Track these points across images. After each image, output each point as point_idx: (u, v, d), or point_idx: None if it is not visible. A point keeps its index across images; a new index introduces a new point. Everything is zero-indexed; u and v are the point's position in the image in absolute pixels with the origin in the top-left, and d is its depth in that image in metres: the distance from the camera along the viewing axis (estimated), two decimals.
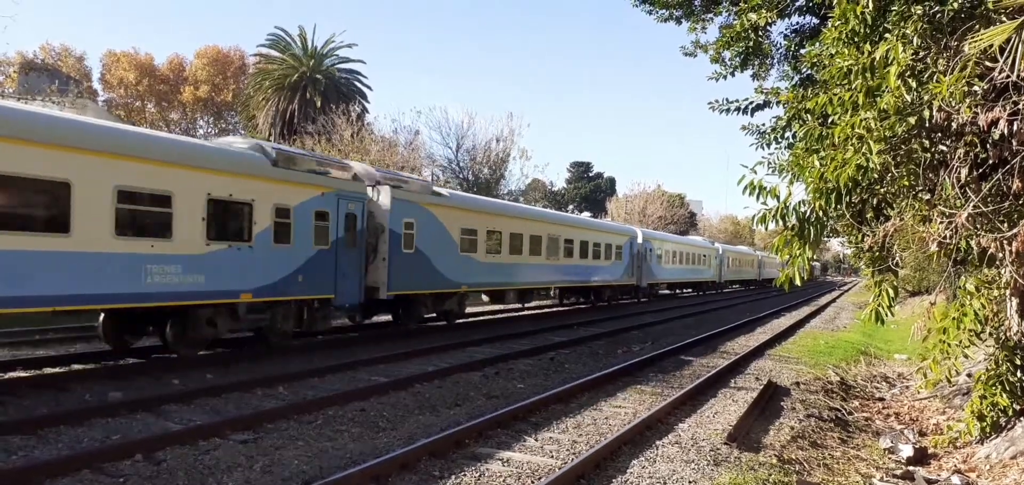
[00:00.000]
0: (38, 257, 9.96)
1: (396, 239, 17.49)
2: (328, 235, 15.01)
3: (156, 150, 11.80)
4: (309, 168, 14.90)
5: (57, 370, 11.77)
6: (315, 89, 46.87)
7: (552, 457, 8.00)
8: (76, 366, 12.18)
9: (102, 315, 12.60)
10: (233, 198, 12.78)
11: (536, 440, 8.68)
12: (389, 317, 19.92)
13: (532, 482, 7.10)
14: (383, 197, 17.36)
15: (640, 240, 36.71)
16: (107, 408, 9.19)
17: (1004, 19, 6.56)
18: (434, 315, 20.69)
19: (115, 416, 8.99)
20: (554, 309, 30.51)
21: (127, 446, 7.47)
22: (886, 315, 8.40)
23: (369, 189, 16.89)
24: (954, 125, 6.79)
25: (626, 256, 34.74)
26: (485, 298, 27.26)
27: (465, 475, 7.21)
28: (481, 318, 24.74)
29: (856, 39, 7.54)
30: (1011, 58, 6.10)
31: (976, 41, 6.34)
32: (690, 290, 51.37)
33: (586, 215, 50.82)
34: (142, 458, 7.30)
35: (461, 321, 22.09)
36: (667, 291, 47.70)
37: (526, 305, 28.44)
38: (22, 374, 11.27)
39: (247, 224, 13.10)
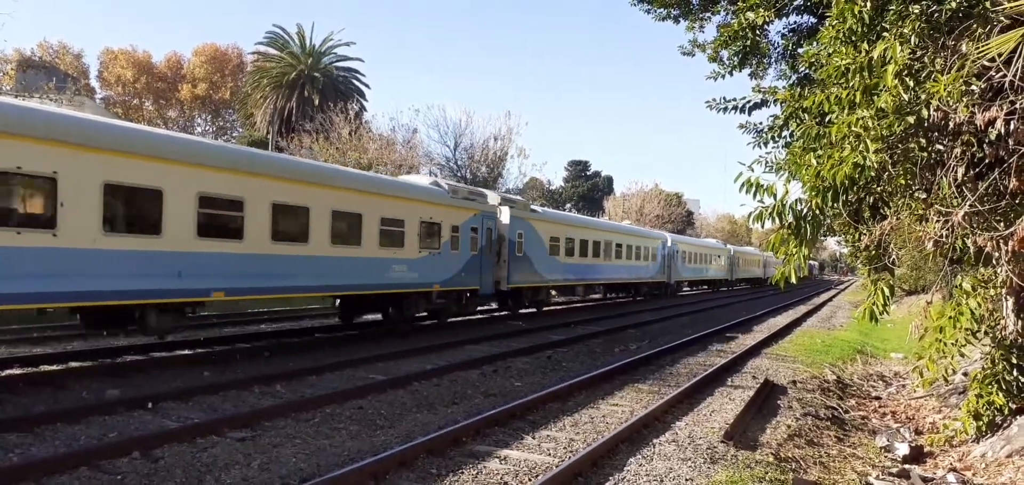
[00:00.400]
0: (344, 261, 15.57)
1: (512, 246, 23.13)
2: (477, 244, 20.90)
3: (398, 190, 18.01)
4: (466, 196, 21.05)
5: (54, 368, 11.76)
6: (313, 87, 46.85)
7: (550, 455, 8.00)
8: (73, 364, 12.17)
9: (337, 299, 18.06)
10: (432, 220, 18.69)
11: (534, 438, 8.69)
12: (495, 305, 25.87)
13: (530, 480, 7.10)
14: (504, 214, 22.97)
15: (669, 243, 42.44)
16: (104, 406, 9.18)
17: (1002, 19, 6.59)
18: (529, 303, 26.20)
19: (112, 414, 8.98)
20: (554, 308, 30.52)
21: (124, 444, 7.46)
22: (880, 314, 8.42)
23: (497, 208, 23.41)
24: (951, 124, 6.80)
25: (659, 257, 40.49)
26: (553, 293, 31.08)
27: (463, 473, 7.22)
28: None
29: (854, 38, 7.55)
30: (1015, 64, 6.12)
31: (982, 50, 6.35)
32: (706, 287, 56.28)
33: (626, 222, 52.53)
34: (139, 456, 7.30)
35: (546, 309, 28.02)
36: (688, 289, 51.33)
37: (586, 298, 35.51)
38: (19, 372, 11.25)
39: (438, 237, 18.95)
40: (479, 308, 24.58)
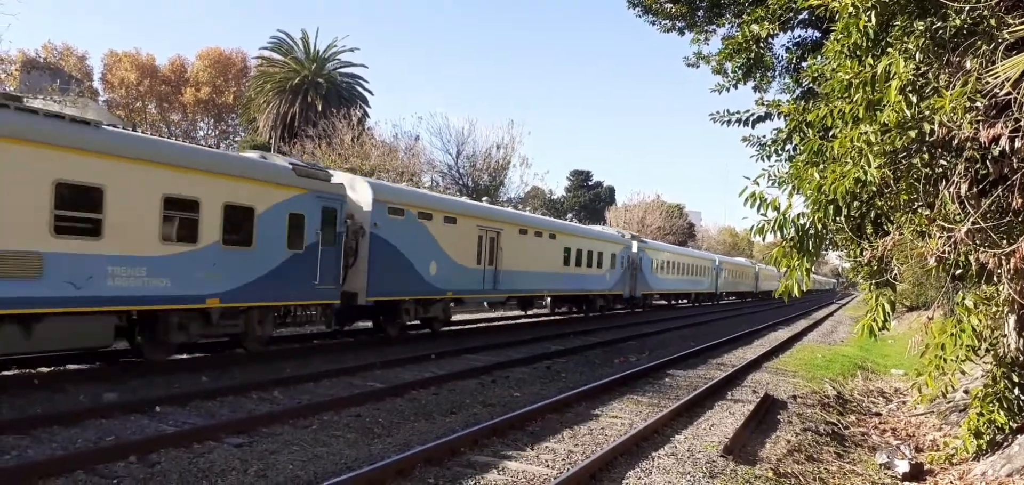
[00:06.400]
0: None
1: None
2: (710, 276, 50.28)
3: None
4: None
5: (51, 370, 11.72)
6: (316, 93, 46.90)
7: (548, 466, 7.96)
8: (71, 366, 12.12)
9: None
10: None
11: (532, 449, 8.65)
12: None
13: None
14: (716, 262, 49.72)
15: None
16: (102, 409, 9.15)
17: (1007, 37, 6.58)
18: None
19: (110, 417, 8.94)
20: (545, 319, 30.47)
21: (121, 447, 7.43)
22: (880, 329, 8.38)
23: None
24: (955, 140, 6.78)
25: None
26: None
27: (461, 483, 7.18)
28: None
29: (858, 53, 7.55)
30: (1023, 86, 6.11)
31: (989, 73, 6.35)
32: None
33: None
34: (136, 460, 7.27)
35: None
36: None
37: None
38: (16, 373, 11.22)
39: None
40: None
